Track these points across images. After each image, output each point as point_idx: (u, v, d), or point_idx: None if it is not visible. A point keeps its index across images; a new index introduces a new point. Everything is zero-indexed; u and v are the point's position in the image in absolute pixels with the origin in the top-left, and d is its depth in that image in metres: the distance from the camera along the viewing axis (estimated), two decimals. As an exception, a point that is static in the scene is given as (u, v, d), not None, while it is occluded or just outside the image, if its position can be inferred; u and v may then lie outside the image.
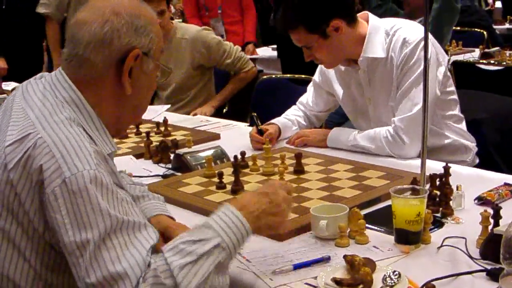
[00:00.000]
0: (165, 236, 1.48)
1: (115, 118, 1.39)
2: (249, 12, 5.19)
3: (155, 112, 3.17)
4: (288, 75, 3.69)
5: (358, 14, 2.31)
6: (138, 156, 2.43)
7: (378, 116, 2.36)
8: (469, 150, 2.39)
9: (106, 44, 1.31)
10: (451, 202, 1.69)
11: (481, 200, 1.74)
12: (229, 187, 1.93)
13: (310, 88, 2.62)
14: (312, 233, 1.60)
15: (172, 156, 2.31)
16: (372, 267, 1.36)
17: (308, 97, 2.62)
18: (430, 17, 3.92)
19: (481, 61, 4.22)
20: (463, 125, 2.41)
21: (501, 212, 1.47)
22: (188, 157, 2.21)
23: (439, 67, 2.24)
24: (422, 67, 1.71)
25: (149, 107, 1.68)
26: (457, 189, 1.73)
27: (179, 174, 2.17)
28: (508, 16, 7.21)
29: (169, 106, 3.43)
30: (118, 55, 1.32)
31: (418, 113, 2.12)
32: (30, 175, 1.21)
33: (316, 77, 2.58)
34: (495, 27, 6.16)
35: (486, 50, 4.62)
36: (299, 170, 2.06)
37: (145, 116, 1.76)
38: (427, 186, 1.68)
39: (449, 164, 1.76)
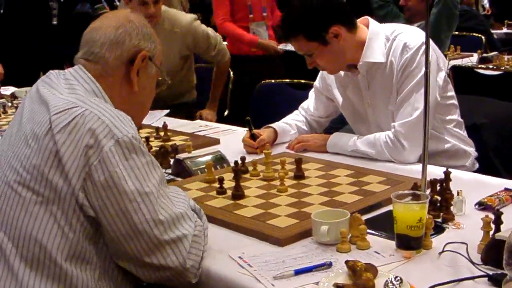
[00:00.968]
0: None
1: (125, 111, 1.50)
2: (275, 13, 4.54)
3: (154, 117, 3.17)
4: (288, 80, 3.67)
5: (358, 20, 2.31)
6: (138, 161, 2.42)
7: (377, 120, 2.36)
8: (468, 154, 2.39)
9: (119, 44, 1.53)
10: (452, 208, 1.69)
11: (482, 205, 1.74)
12: (229, 192, 1.93)
13: (311, 93, 2.63)
14: (313, 238, 1.59)
15: (172, 161, 2.31)
16: (374, 272, 1.35)
17: (309, 102, 2.63)
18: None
19: (480, 66, 4.22)
20: (462, 130, 2.42)
21: (502, 217, 1.47)
22: (188, 162, 2.21)
23: (439, 72, 2.24)
24: (422, 72, 1.72)
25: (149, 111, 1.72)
26: (457, 195, 1.73)
27: (179, 179, 2.16)
28: (506, 21, 7.23)
29: (168, 111, 3.41)
30: (128, 55, 1.54)
31: (418, 118, 2.13)
32: (78, 138, 1.36)
33: (317, 82, 2.58)
34: (493, 31, 6.18)
35: (484, 54, 4.61)
36: (299, 175, 2.06)
37: (144, 121, 1.80)
38: (428, 191, 1.68)
39: (449, 169, 1.77)
